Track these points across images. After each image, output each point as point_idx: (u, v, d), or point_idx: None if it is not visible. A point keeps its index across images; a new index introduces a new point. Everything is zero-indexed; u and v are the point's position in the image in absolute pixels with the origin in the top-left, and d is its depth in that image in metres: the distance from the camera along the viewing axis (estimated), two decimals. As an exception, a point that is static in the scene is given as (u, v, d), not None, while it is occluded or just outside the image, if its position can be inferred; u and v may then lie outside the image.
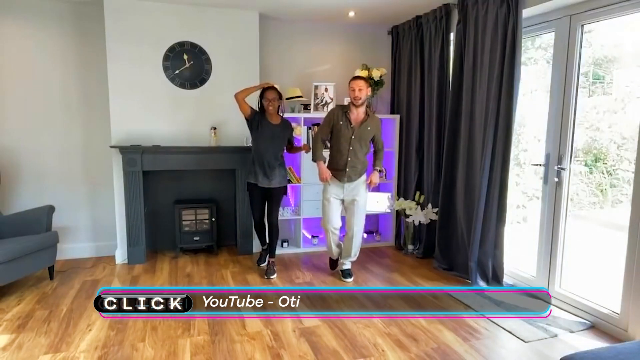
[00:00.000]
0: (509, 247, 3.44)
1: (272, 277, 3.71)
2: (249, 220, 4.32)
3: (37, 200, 4.00)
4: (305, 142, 4.17)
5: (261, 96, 3.59)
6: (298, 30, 4.58)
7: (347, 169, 3.47)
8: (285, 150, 3.81)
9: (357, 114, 3.47)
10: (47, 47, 3.95)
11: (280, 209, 4.47)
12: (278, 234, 3.81)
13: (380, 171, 3.60)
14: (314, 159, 3.55)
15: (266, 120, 3.60)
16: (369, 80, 3.49)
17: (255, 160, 3.65)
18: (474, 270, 3.50)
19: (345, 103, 4.41)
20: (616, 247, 2.84)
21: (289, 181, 4.24)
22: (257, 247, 4.46)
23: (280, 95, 3.62)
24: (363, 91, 3.39)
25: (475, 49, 3.50)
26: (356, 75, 3.50)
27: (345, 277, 3.68)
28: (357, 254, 3.74)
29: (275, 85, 3.72)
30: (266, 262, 3.85)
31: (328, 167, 3.56)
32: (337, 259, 3.82)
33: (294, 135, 3.87)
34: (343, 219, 3.67)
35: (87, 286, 3.51)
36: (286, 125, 3.72)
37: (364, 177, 3.58)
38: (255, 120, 3.58)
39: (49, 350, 2.52)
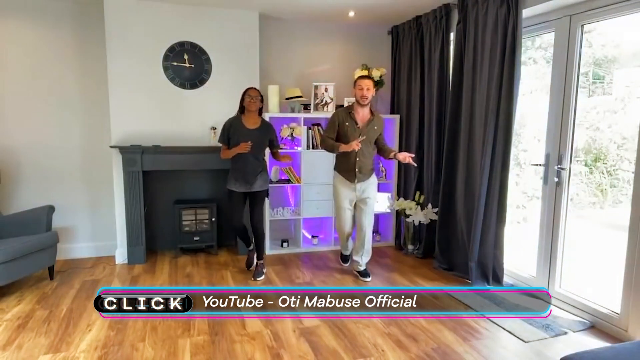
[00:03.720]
0: (509, 247, 3.44)
1: (259, 278, 3.67)
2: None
3: (37, 200, 4.00)
4: (287, 154, 3.81)
5: (244, 94, 3.49)
6: (298, 30, 4.58)
7: (357, 170, 3.49)
8: (270, 154, 3.74)
9: (363, 114, 3.50)
10: (47, 47, 3.95)
11: (280, 208, 4.48)
12: (264, 237, 3.76)
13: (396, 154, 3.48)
14: (335, 150, 3.47)
15: (241, 126, 3.49)
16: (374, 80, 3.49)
17: (235, 167, 3.55)
18: (474, 270, 3.50)
19: (346, 103, 4.43)
20: (616, 247, 2.84)
21: (287, 181, 4.23)
22: (257, 247, 4.47)
23: (262, 98, 3.53)
24: (370, 91, 3.40)
25: (475, 49, 3.50)
26: (362, 74, 3.50)
27: (364, 277, 3.70)
28: (370, 251, 3.78)
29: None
30: (254, 264, 3.81)
31: (337, 169, 3.62)
32: (350, 255, 3.93)
33: (281, 136, 3.77)
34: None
35: (87, 286, 3.51)
36: (266, 128, 3.58)
37: (374, 177, 3.62)
38: (226, 136, 3.50)
39: (49, 350, 2.52)
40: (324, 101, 4.38)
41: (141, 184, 3.98)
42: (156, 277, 3.74)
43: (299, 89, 4.37)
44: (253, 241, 3.78)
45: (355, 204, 3.65)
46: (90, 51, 4.05)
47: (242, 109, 3.53)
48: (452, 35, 3.89)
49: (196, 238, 4.30)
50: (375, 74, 4.44)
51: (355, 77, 4.49)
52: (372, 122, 3.50)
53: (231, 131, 3.51)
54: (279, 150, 3.73)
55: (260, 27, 4.32)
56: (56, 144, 4.07)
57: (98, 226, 4.29)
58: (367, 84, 3.40)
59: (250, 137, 3.44)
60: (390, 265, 4.12)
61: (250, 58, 4.27)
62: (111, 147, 3.90)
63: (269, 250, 4.40)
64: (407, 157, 3.41)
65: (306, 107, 4.46)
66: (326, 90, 4.37)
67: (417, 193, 4.35)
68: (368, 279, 3.67)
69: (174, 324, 2.84)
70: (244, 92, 3.51)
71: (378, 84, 4.52)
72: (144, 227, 4.07)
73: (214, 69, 4.19)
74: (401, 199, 4.42)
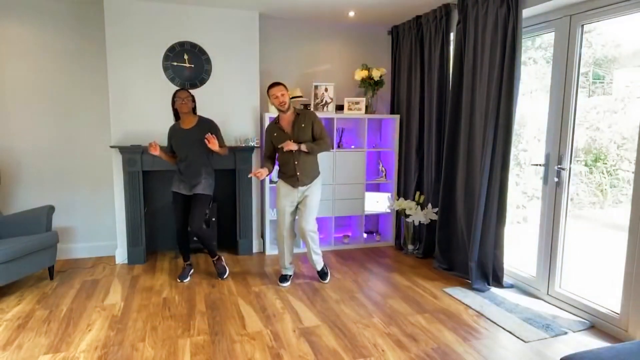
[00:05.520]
0: (509, 247, 3.44)
1: (224, 276, 3.68)
2: (249, 220, 4.33)
3: (37, 200, 4.01)
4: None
5: (173, 97, 3.44)
6: (298, 30, 4.59)
7: (298, 174, 3.40)
8: (219, 153, 3.49)
9: (287, 118, 3.45)
10: (47, 47, 3.95)
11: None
12: (208, 237, 3.60)
13: (299, 145, 3.33)
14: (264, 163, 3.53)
15: (179, 128, 3.50)
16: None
17: (177, 168, 3.55)
18: (474, 270, 3.50)
19: (346, 103, 4.44)
20: (616, 247, 2.84)
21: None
22: (257, 247, 4.47)
23: (193, 97, 3.50)
24: (285, 95, 3.36)
25: (475, 49, 3.50)
26: (271, 83, 3.42)
27: (322, 278, 3.65)
28: (320, 252, 3.63)
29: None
30: (215, 266, 3.74)
31: (280, 177, 3.52)
32: (290, 275, 3.67)
33: (220, 134, 3.56)
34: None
35: (87, 286, 3.51)
36: (203, 126, 3.50)
37: (318, 181, 3.52)
38: (169, 142, 3.54)
39: (49, 350, 2.52)
40: (324, 101, 4.39)
41: (141, 184, 3.99)
42: (156, 277, 3.74)
43: (299, 89, 4.37)
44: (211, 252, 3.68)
45: (297, 207, 3.54)
46: (90, 51, 4.05)
47: (175, 112, 3.51)
48: (452, 35, 3.89)
49: (196, 238, 4.28)
50: (375, 74, 4.45)
51: (356, 77, 4.53)
52: (298, 121, 3.40)
53: (171, 136, 3.52)
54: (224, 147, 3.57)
55: (260, 27, 4.32)
56: (56, 144, 4.08)
57: (98, 226, 4.29)
58: (279, 90, 3.34)
59: (186, 138, 3.46)
60: (390, 265, 4.12)
61: (250, 58, 4.27)
62: (111, 147, 3.90)
63: (269, 251, 4.41)
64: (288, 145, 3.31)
65: (306, 107, 4.46)
66: (326, 90, 4.37)
67: (417, 193, 4.35)
68: (326, 280, 3.64)
69: (174, 324, 2.84)
70: (173, 96, 3.44)
71: (378, 84, 4.53)
72: (144, 227, 4.07)
73: (214, 69, 4.19)
74: (401, 199, 4.42)
